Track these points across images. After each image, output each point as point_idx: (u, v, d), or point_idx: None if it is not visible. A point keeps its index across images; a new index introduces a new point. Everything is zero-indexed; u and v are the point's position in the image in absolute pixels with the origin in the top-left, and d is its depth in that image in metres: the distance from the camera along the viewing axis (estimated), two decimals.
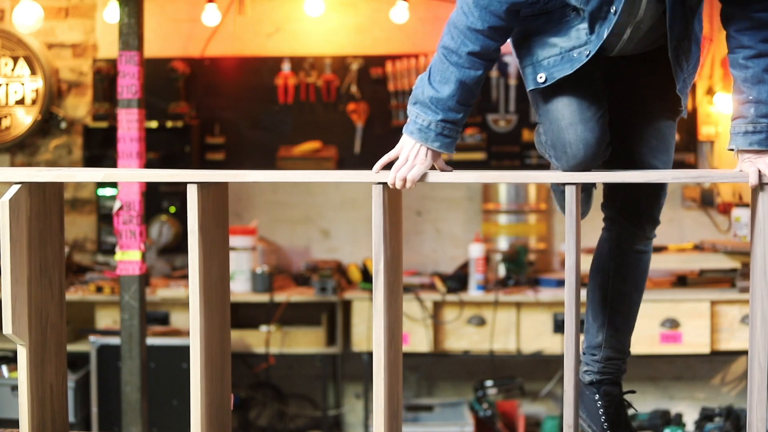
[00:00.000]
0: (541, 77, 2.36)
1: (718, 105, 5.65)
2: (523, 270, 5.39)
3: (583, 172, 2.38)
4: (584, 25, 2.31)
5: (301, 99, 5.79)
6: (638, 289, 2.59)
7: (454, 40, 2.30)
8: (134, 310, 4.02)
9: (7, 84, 5.77)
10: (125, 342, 4.04)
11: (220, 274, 2.42)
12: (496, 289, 5.23)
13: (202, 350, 2.29)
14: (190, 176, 2.27)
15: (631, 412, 2.69)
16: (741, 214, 5.28)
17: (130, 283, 4.03)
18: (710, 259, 5.20)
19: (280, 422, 5.74)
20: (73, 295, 5.23)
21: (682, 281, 5.28)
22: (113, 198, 5.48)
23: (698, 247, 5.33)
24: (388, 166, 2.40)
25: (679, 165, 5.60)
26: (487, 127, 5.75)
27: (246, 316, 5.39)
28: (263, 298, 5.30)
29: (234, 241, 5.24)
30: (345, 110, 5.78)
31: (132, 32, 4.01)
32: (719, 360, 5.56)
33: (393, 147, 2.44)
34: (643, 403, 5.45)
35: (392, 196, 2.41)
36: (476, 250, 5.24)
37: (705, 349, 5.07)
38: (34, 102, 5.77)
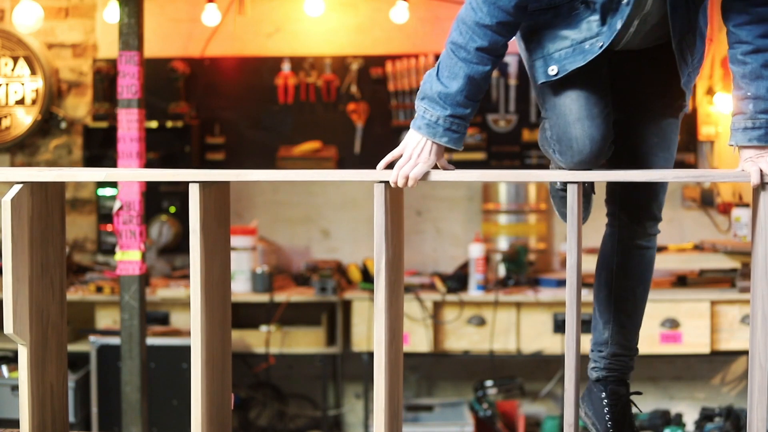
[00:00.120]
0: (552, 70, 2.37)
1: (718, 105, 5.65)
2: (523, 270, 5.39)
3: (585, 171, 2.38)
4: (595, 17, 2.31)
5: (301, 99, 5.79)
6: (642, 284, 2.60)
7: (463, 36, 2.31)
8: (134, 310, 4.02)
9: (7, 84, 5.77)
10: (125, 342, 4.04)
11: (222, 273, 2.42)
12: (496, 289, 5.23)
13: (202, 350, 2.29)
14: (192, 176, 2.27)
15: (634, 411, 2.70)
16: (741, 214, 5.28)
17: (130, 283, 4.03)
18: (710, 259, 5.20)
19: (280, 422, 5.74)
20: (73, 295, 5.23)
21: (682, 281, 5.28)
22: (113, 198, 5.48)
23: (698, 247, 5.33)
24: (391, 165, 2.40)
25: (679, 165, 5.58)
26: (487, 127, 5.75)
27: (246, 316, 5.39)
28: (263, 298, 5.30)
29: (234, 241, 5.23)
30: (345, 110, 5.78)
31: (132, 32, 4.01)
32: (719, 360, 5.56)
33: (393, 147, 2.43)
34: (643, 403, 5.42)
35: (394, 196, 2.41)
36: (476, 250, 5.24)
37: (705, 349, 5.07)
38: (34, 102, 5.77)
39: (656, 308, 5.02)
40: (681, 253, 5.26)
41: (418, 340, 5.18)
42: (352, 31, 5.81)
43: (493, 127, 5.76)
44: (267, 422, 5.72)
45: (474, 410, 5.24)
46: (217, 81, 5.82)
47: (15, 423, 2.58)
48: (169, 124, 5.73)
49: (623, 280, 2.59)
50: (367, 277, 5.43)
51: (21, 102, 5.78)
